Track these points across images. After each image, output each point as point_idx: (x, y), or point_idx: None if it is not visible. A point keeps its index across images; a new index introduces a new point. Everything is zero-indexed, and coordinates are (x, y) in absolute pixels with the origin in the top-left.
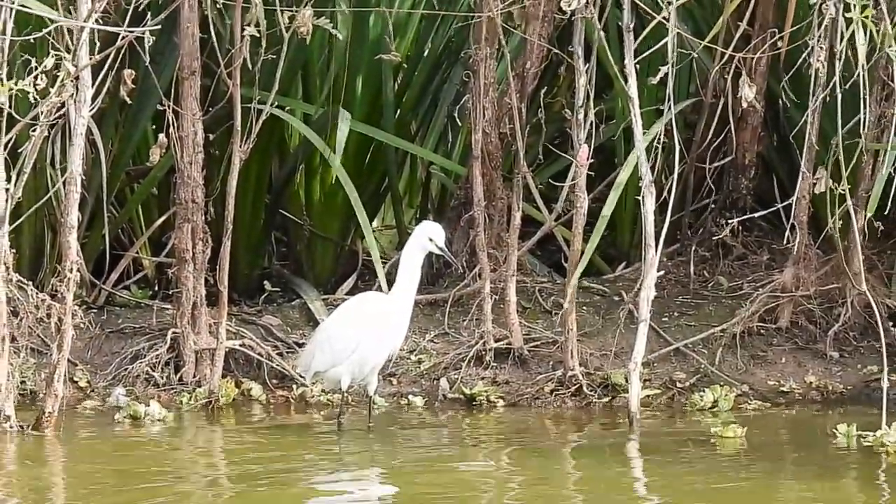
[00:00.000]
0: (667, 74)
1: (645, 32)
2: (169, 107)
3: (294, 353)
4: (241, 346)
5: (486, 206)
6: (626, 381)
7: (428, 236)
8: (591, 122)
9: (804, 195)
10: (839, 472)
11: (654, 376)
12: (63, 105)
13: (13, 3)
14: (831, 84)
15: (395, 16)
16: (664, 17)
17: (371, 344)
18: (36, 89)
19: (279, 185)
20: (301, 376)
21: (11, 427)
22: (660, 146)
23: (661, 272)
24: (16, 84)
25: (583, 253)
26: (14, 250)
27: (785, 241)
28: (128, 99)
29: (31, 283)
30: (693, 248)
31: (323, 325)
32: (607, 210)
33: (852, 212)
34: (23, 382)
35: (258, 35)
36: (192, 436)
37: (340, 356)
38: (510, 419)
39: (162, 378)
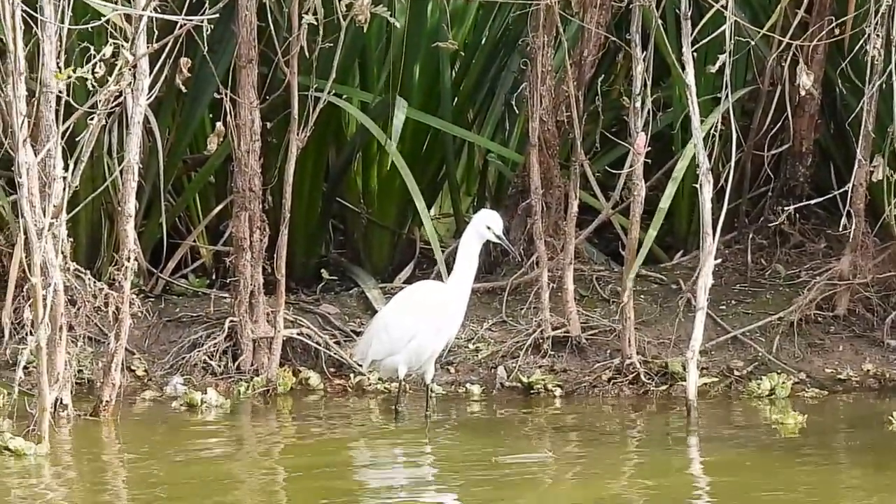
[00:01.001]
0: (724, 62)
1: (703, 21)
2: (226, 95)
3: (351, 341)
4: (298, 334)
5: (543, 194)
6: (684, 369)
7: (486, 224)
8: (649, 110)
9: (861, 183)
10: None
11: (712, 364)
12: (120, 94)
13: None
14: (888, 71)
15: (452, 4)
16: (722, 5)
17: (428, 332)
18: (94, 77)
19: (336, 174)
20: (358, 365)
21: (69, 416)
22: (717, 134)
23: (719, 260)
24: (74, 72)
25: (641, 242)
26: (71, 239)
27: (841, 229)
28: (185, 88)
29: (88, 271)
30: (750, 235)
31: (380, 314)
32: (665, 203)
33: None
34: (80, 371)
35: (316, 23)
36: (250, 424)
37: (397, 344)
38: (568, 407)
39: (219, 367)
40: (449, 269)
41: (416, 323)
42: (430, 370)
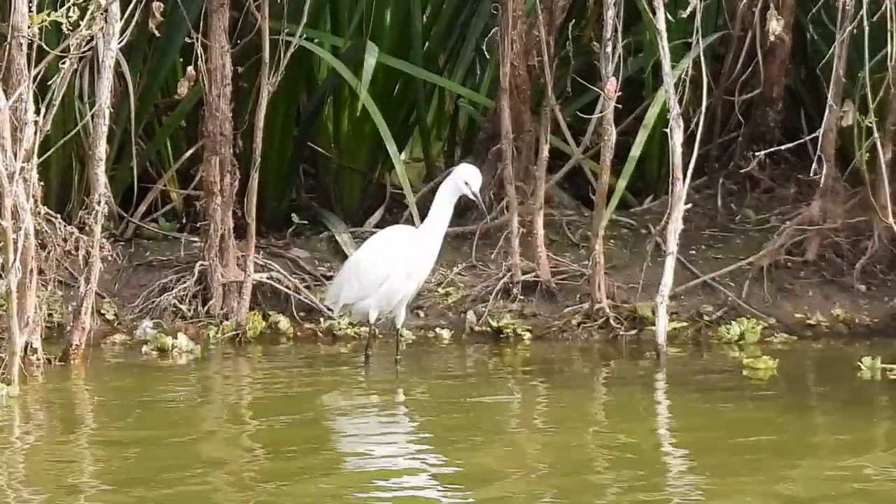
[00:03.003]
0: (695, 7)
1: None
2: (197, 39)
3: (321, 285)
4: (268, 278)
5: (513, 139)
6: (654, 313)
7: (465, 179)
8: (620, 55)
9: (831, 128)
10: (864, 405)
11: (682, 309)
12: (92, 38)
13: None
14: (859, 17)
15: None
16: None
17: (399, 276)
18: (69, 22)
19: (307, 118)
20: (329, 309)
21: (39, 359)
22: (687, 79)
23: (689, 205)
24: (49, 16)
25: (611, 187)
26: (42, 183)
27: (812, 174)
28: (156, 32)
29: (59, 215)
30: (720, 180)
31: (352, 258)
32: (635, 151)
33: (879, 145)
34: (50, 315)
35: None
36: (220, 368)
37: (369, 288)
38: (537, 352)
39: (189, 311)
40: (422, 216)
41: (388, 266)
42: (401, 315)
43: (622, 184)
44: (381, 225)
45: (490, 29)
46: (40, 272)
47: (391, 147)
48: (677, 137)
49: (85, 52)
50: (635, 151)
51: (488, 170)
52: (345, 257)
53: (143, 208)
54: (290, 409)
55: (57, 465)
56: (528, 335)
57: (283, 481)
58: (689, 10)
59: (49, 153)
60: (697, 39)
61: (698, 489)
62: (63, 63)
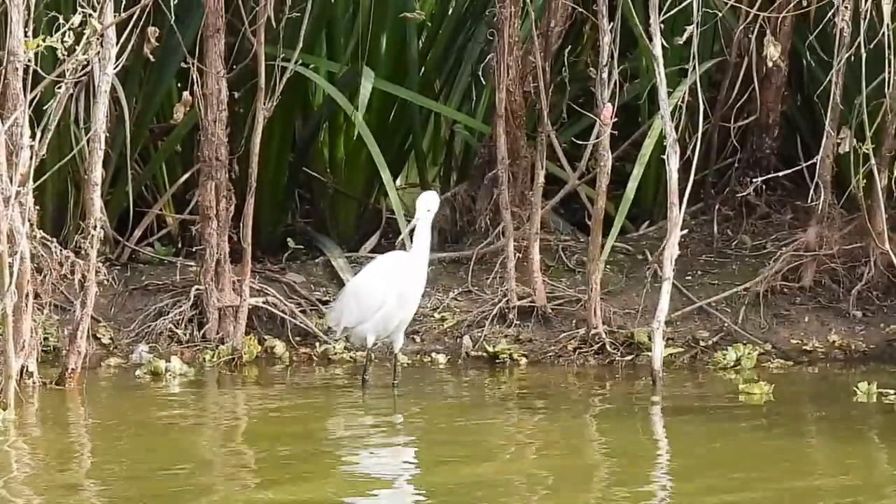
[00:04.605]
0: (692, 34)
1: None
2: (193, 64)
3: (317, 310)
4: (264, 303)
5: (509, 165)
6: (650, 339)
7: (426, 208)
8: (616, 81)
9: (828, 154)
10: (860, 430)
11: (678, 335)
12: (88, 63)
13: None
14: (856, 43)
15: None
16: None
17: (394, 300)
18: (64, 47)
19: (303, 143)
20: (327, 332)
21: (34, 383)
22: (684, 105)
23: (685, 231)
24: (44, 41)
25: (607, 213)
26: (38, 207)
27: (808, 201)
28: (152, 57)
29: (54, 240)
30: (717, 206)
31: (352, 282)
32: (632, 184)
33: (876, 171)
34: (46, 339)
35: None
36: (215, 391)
37: (367, 313)
38: (533, 377)
39: (185, 335)
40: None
41: (386, 291)
42: (399, 339)
43: (620, 217)
44: (376, 250)
45: (486, 54)
46: (36, 296)
47: (385, 174)
48: (674, 163)
49: (81, 76)
50: (631, 185)
51: (484, 195)
52: (341, 282)
53: (138, 233)
54: (286, 433)
55: (52, 488)
56: (524, 360)
57: None
58: (685, 36)
59: (45, 177)
60: (694, 65)
61: None
62: (59, 88)
